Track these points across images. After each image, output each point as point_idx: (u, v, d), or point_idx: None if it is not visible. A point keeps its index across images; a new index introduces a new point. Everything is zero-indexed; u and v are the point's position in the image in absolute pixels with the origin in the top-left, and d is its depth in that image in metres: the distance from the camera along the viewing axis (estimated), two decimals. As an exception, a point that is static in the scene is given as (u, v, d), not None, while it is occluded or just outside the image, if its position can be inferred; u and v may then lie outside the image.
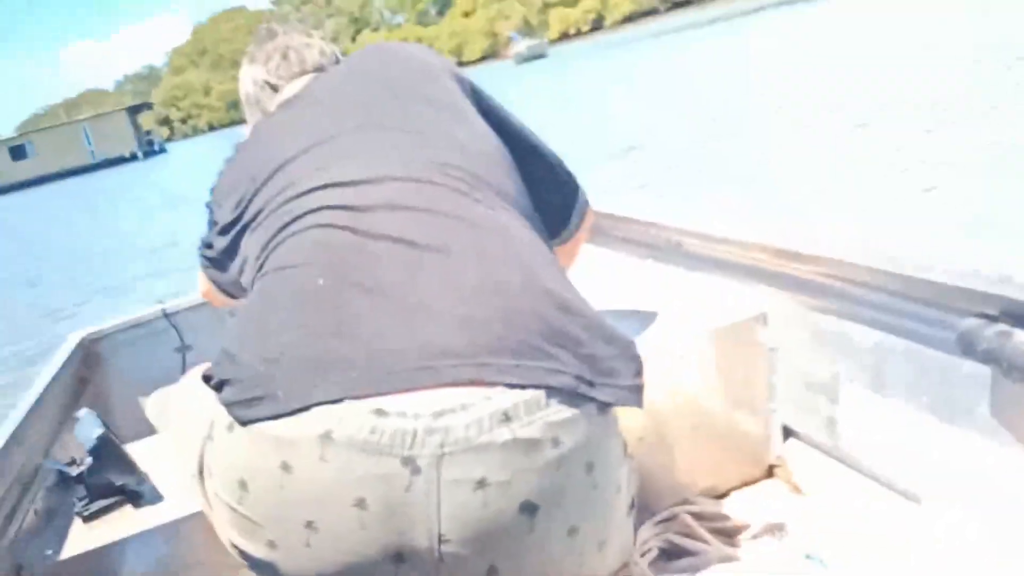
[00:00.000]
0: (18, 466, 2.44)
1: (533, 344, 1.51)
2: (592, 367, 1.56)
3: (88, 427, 2.39)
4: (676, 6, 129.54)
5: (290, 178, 1.84)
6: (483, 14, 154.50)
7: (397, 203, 1.69)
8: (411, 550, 1.46)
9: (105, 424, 2.42)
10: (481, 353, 1.48)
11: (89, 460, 2.31)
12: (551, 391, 1.49)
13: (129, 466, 2.36)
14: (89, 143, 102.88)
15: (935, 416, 2.15)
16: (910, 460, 2.26)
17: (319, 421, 1.43)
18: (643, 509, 2.55)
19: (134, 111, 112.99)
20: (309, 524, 1.46)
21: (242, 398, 1.51)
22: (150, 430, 2.97)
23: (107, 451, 2.33)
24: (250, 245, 1.88)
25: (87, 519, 2.29)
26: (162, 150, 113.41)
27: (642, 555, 2.36)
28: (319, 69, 2.25)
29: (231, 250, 1.99)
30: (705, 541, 2.40)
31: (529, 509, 1.47)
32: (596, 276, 3.33)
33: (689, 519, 2.49)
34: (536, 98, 32.67)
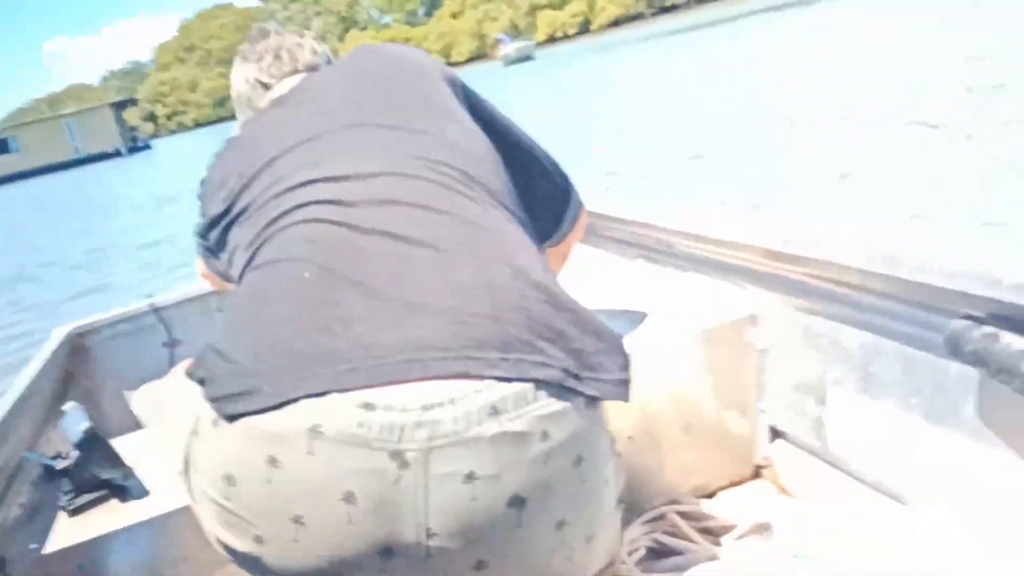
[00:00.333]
0: (2, 459, 2.42)
1: (521, 338, 1.51)
2: (579, 361, 1.57)
3: (74, 421, 2.38)
4: (662, 11, 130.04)
5: (279, 172, 1.85)
6: (471, 15, 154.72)
7: (386, 198, 1.70)
8: (399, 544, 1.45)
9: (91, 418, 2.41)
10: (469, 347, 1.48)
11: (75, 454, 2.30)
12: (539, 384, 1.49)
13: (115, 460, 2.34)
14: (73, 138, 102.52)
15: (922, 417, 2.16)
16: (897, 461, 2.26)
17: (307, 415, 1.43)
18: (631, 508, 2.56)
19: (119, 107, 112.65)
20: (297, 519, 1.46)
21: (228, 392, 1.50)
22: (137, 425, 2.97)
23: (93, 445, 2.32)
24: (238, 237, 1.88)
25: (72, 513, 2.28)
26: (146, 146, 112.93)
27: (630, 554, 2.37)
28: (311, 68, 2.27)
29: (220, 241, 1.99)
30: (692, 540, 2.41)
31: (518, 503, 1.47)
32: (587, 275, 3.34)
33: (677, 518, 2.50)
34: (527, 98, 32.64)
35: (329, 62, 2.32)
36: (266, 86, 2.25)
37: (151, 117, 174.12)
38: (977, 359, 1.88)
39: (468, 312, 1.52)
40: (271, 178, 1.85)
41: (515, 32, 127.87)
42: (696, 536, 2.43)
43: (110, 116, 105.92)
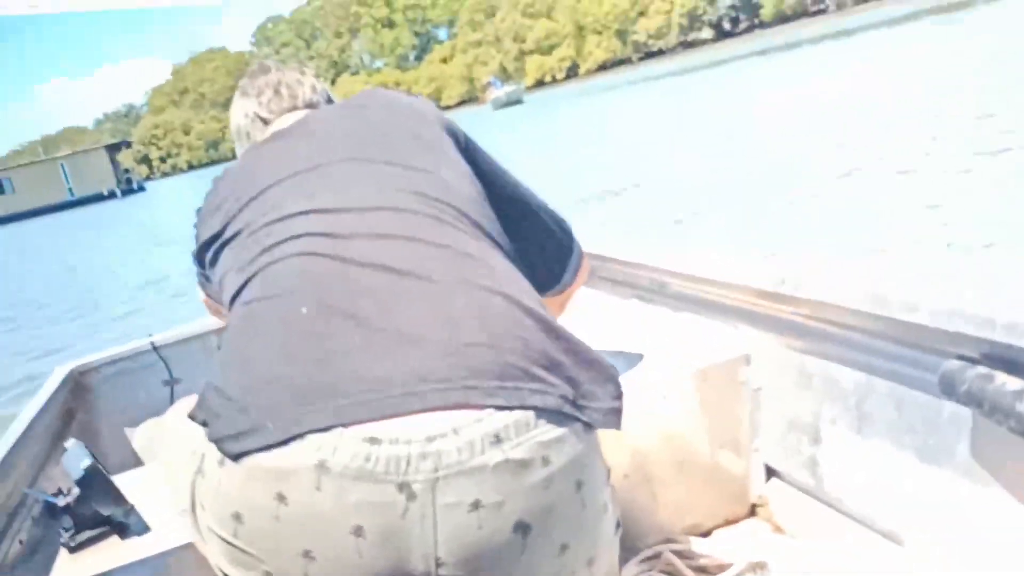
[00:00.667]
0: (4, 496, 2.43)
1: (518, 365, 1.52)
2: (575, 389, 1.58)
3: (76, 458, 2.39)
4: (647, 56, 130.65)
5: (274, 200, 1.86)
6: (461, 60, 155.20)
7: (379, 232, 1.71)
8: (409, 575, 1.46)
9: (93, 455, 2.42)
10: (467, 376, 1.49)
11: (76, 491, 2.30)
12: (538, 411, 1.50)
13: (116, 497, 2.35)
14: (67, 180, 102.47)
15: (917, 457, 2.18)
16: (892, 500, 2.28)
17: (313, 451, 1.43)
18: (627, 547, 2.57)
19: (113, 149, 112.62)
20: (307, 554, 1.46)
21: (231, 432, 1.50)
22: (137, 462, 2.97)
23: (94, 482, 2.32)
24: (229, 260, 1.89)
25: (73, 550, 2.28)
26: (140, 188, 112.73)
27: (627, 592, 2.38)
28: (310, 105, 2.28)
29: (213, 263, 1.99)
30: (688, 579, 2.42)
31: (522, 528, 1.48)
32: (582, 315, 3.35)
33: (673, 557, 2.51)
34: (518, 141, 32.76)
35: (329, 100, 2.34)
36: (265, 121, 2.26)
37: (145, 159, 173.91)
38: (971, 399, 1.90)
39: (464, 342, 1.53)
40: (266, 205, 1.86)
41: (504, 76, 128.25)
42: (692, 575, 2.44)
43: (104, 158, 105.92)
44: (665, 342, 2.79)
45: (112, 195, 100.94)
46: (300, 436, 1.44)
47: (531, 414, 1.49)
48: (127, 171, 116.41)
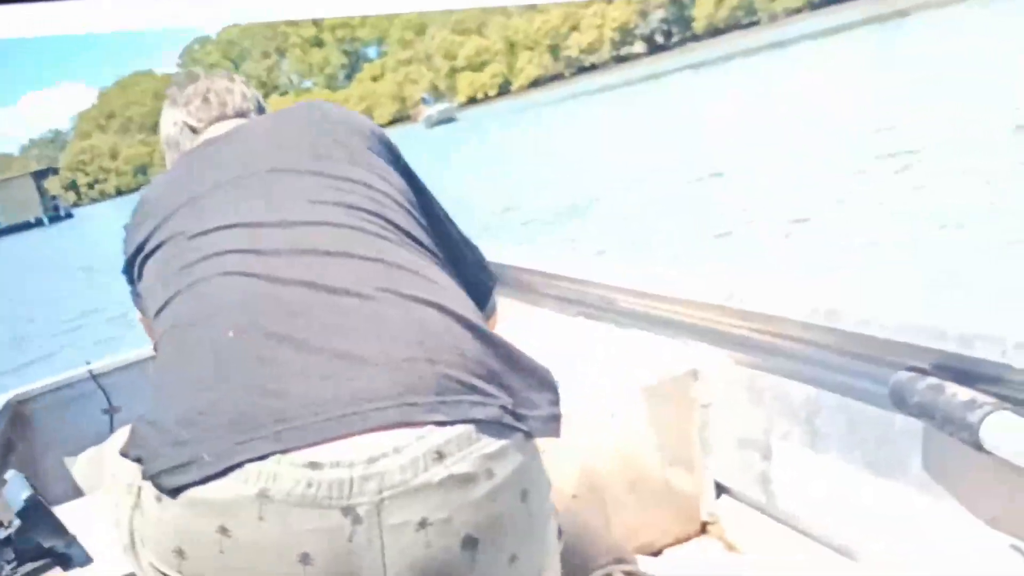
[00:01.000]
0: None
1: (456, 378, 1.51)
2: (513, 397, 1.57)
3: (16, 489, 2.35)
4: (580, 71, 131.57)
5: (199, 212, 1.83)
6: (391, 78, 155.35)
7: (307, 247, 1.68)
8: None
9: (33, 486, 2.37)
10: (405, 393, 1.47)
11: (17, 522, 2.27)
12: (479, 424, 1.49)
13: (58, 528, 2.31)
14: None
15: (869, 470, 2.17)
16: (844, 515, 2.27)
17: (253, 481, 1.40)
18: (577, 567, 2.54)
19: (39, 176, 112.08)
20: None
21: (167, 466, 1.47)
22: (78, 492, 2.93)
23: (35, 513, 2.29)
24: (152, 272, 1.85)
25: None
26: (68, 215, 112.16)
27: (577, 614, 2.35)
28: (240, 114, 2.24)
29: (140, 276, 1.94)
30: (640, 600, 2.40)
31: (471, 543, 1.46)
32: (528, 333, 3.33)
33: (623, 577, 2.49)
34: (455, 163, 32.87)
35: (261, 107, 2.30)
36: (194, 130, 2.22)
37: (72, 185, 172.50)
38: (922, 411, 1.90)
39: (401, 358, 1.51)
40: (191, 216, 1.83)
41: (436, 94, 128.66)
42: (644, 595, 2.42)
43: (31, 186, 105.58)
44: (613, 359, 2.78)
45: (39, 223, 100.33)
46: (239, 466, 1.41)
47: (472, 427, 1.48)
48: (55, 198, 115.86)
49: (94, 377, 3.72)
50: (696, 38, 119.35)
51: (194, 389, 1.54)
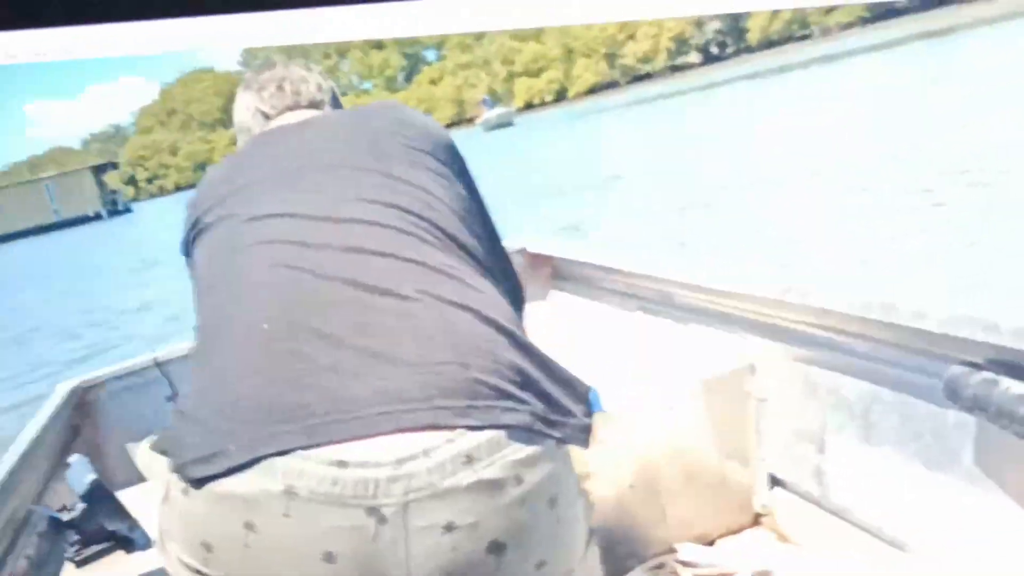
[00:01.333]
0: (10, 512, 2.42)
1: (488, 383, 1.51)
2: (546, 404, 1.57)
3: (80, 473, 2.39)
4: (636, 79, 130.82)
5: (254, 197, 1.84)
6: (450, 82, 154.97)
7: (352, 245, 1.69)
8: None
9: (97, 471, 2.41)
10: (437, 396, 1.47)
11: (81, 506, 2.31)
12: (510, 430, 1.49)
13: (121, 512, 2.35)
14: (52, 201, 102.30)
15: (922, 464, 2.19)
16: (897, 508, 2.29)
17: (279, 477, 1.42)
18: (632, 556, 2.59)
19: (99, 170, 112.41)
20: None
21: (194, 457, 1.48)
22: (141, 477, 2.97)
23: (99, 497, 2.33)
24: (202, 249, 1.87)
25: (79, 565, 2.29)
26: (127, 210, 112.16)
27: (632, 600, 2.39)
28: (314, 104, 2.25)
29: (192, 251, 1.95)
30: (694, 588, 2.43)
31: (497, 548, 1.47)
32: (587, 327, 3.37)
33: (678, 566, 2.52)
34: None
35: (336, 99, 2.31)
36: (266, 116, 2.23)
37: (132, 180, 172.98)
38: (976, 404, 1.91)
39: (434, 361, 1.51)
40: (248, 200, 1.84)
41: (495, 97, 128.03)
42: (697, 584, 2.46)
43: (90, 179, 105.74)
44: (670, 353, 2.80)
45: (98, 216, 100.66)
46: (264, 458, 1.42)
47: (502, 433, 1.48)
48: (113, 192, 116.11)
49: (158, 365, 3.77)
50: (750, 50, 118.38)
51: (225, 379, 1.56)
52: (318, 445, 1.42)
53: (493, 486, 1.45)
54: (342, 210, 1.75)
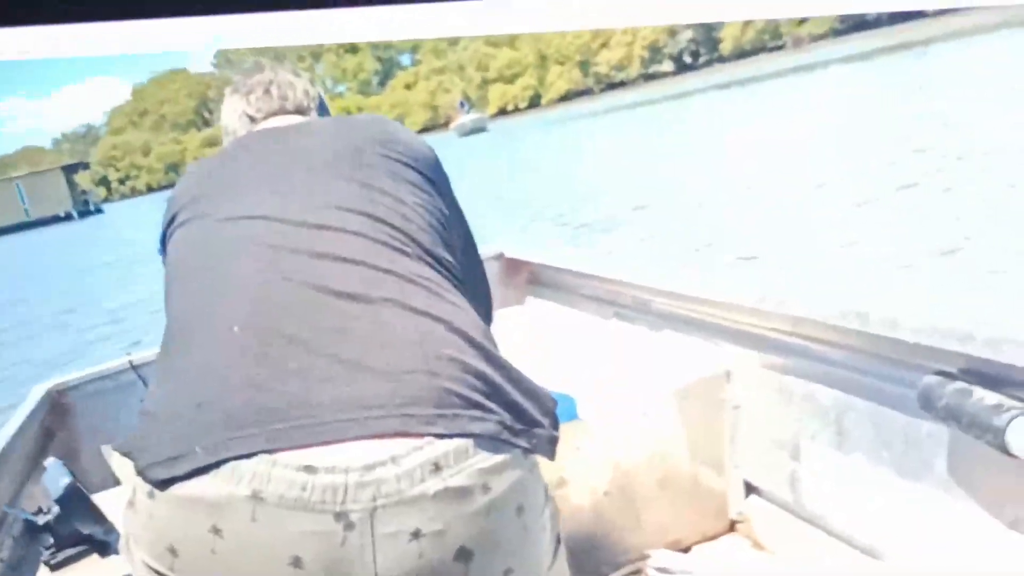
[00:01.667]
0: None
1: (456, 392, 1.52)
2: (514, 414, 1.58)
3: (55, 476, 2.38)
4: (609, 87, 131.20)
5: (231, 197, 1.85)
6: (424, 87, 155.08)
7: (324, 251, 1.69)
8: None
9: (72, 473, 2.41)
10: (405, 404, 1.48)
11: (56, 509, 2.30)
12: (478, 439, 1.50)
13: (96, 515, 2.34)
14: (23, 201, 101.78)
15: (895, 472, 2.21)
16: (871, 516, 2.30)
17: (247, 482, 1.41)
18: (607, 562, 2.60)
19: (70, 170, 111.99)
20: None
21: (159, 458, 1.47)
22: (116, 480, 2.96)
23: (75, 500, 2.32)
24: (176, 244, 1.87)
25: (54, 568, 2.29)
26: (98, 210, 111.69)
27: (606, 607, 2.40)
28: (300, 110, 2.26)
29: (167, 247, 1.94)
30: (668, 594, 2.44)
31: (464, 556, 1.47)
32: (563, 334, 3.37)
33: (653, 573, 2.53)
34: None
35: (323, 106, 2.33)
36: (252, 119, 2.23)
37: (104, 181, 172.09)
38: (949, 414, 1.93)
39: (403, 369, 1.52)
40: (225, 200, 1.85)
41: (469, 103, 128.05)
42: (671, 590, 2.47)
43: (61, 179, 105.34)
44: (646, 360, 2.81)
45: (69, 217, 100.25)
46: (230, 460, 1.42)
47: (470, 442, 1.48)
48: (84, 193, 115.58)
49: (134, 367, 3.76)
50: (723, 59, 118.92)
51: (193, 381, 1.56)
52: (284, 449, 1.42)
53: (460, 494, 1.46)
54: (317, 216, 1.76)
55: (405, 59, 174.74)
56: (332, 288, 1.61)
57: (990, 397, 1.85)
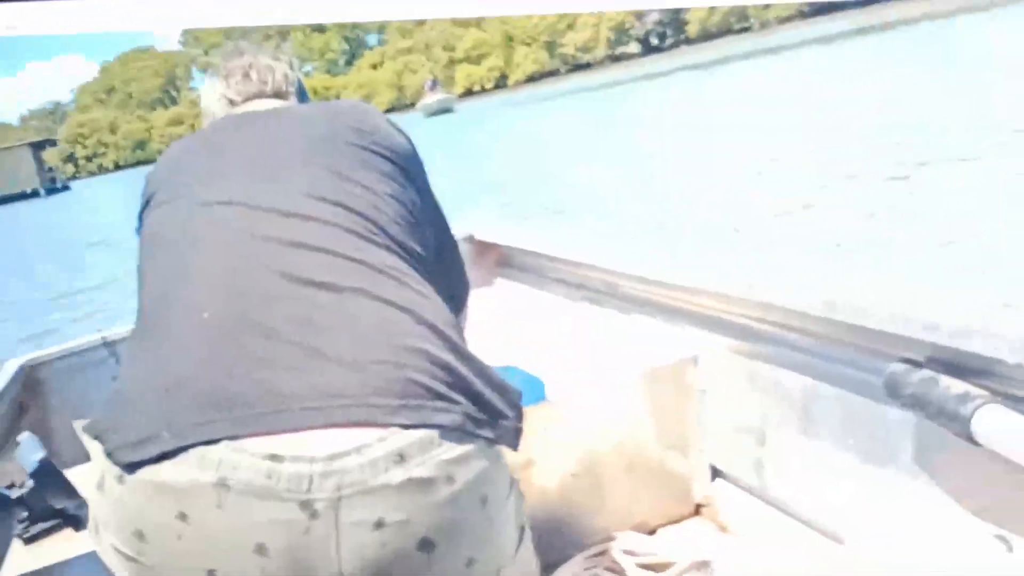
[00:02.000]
0: None
1: (420, 382, 1.53)
2: (479, 406, 1.59)
3: (29, 451, 2.39)
4: (575, 68, 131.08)
5: (207, 181, 1.86)
6: (391, 67, 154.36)
7: (294, 239, 1.70)
8: None
9: (46, 448, 2.41)
10: (370, 394, 1.49)
11: (30, 483, 2.31)
12: (442, 430, 1.51)
13: (69, 490, 2.35)
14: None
15: (860, 459, 2.23)
16: (835, 501, 2.33)
17: (213, 468, 1.42)
18: (574, 544, 2.61)
19: (37, 147, 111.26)
20: (211, 572, 1.45)
21: (127, 441, 1.48)
22: (89, 456, 2.96)
23: (48, 475, 2.33)
24: (150, 225, 1.88)
25: (27, 541, 2.29)
26: (65, 188, 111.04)
27: (571, 587, 2.41)
28: (279, 94, 2.26)
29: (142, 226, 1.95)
30: (633, 576, 2.46)
31: (427, 546, 1.49)
32: (532, 316, 3.39)
33: (619, 554, 2.55)
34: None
35: (302, 90, 2.33)
36: (232, 103, 2.24)
37: (71, 158, 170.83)
38: (915, 402, 1.95)
39: (369, 359, 1.53)
40: (200, 183, 1.86)
41: (437, 82, 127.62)
42: (638, 572, 2.48)
43: (28, 156, 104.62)
44: (614, 343, 2.83)
45: (36, 194, 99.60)
46: (195, 447, 1.43)
47: (435, 433, 1.50)
48: (52, 170, 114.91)
49: (106, 344, 3.75)
50: (689, 41, 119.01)
51: (162, 366, 1.56)
52: (249, 436, 1.43)
53: (424, 484, 1.47)
54: (289, 204, 1.76)
55: (372, 39, 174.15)
56: (301, 276, 1.62)
57: (956, 386, 1.86)
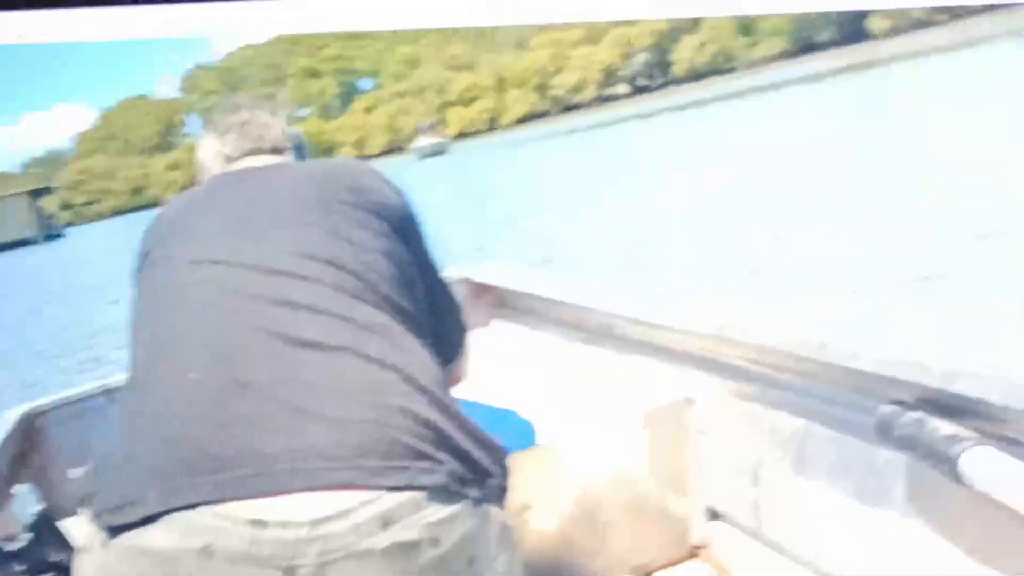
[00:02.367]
0: None
1: (404, 443, 1.52)
2: (465, 464, 1.58)
3: (26, 503, 2.38)
4: (566, 109, 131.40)
5: (199, 239, 1.86)
6: (384, 110, 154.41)
7: (282, 298, 1.69)
8: None
9: (44, 498, 2.40)
10: (355, 455, 1.49)
11: (26, 536, 2.31)
12: (428, 491, 1.50)
13: (65, 543, 2.35)
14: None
15: (855, 500, 2.23)
16: (831, 542, 2.33)
17: (198, 535, 1.42)
18: (569, 586, 2.60)
19: (36, 195, 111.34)
20: None
21: (112, 504, 1.48)
22: None
23: (44, 528, 2.33)
24: (142, 285, 1.88)
25: None
26: (60, 235, 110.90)
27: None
28: (276, 150, 2.24)
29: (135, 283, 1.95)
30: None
31: None
32: (528, 358, 3.39)
33: (616, 598, 2.54)
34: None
35: (300, 146, 2.31)
36: (228, 159, 2.22)
37: (69, 205, 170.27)
38: (905, 443, 1.96)
39: (353, 419, 1.53)
40: (192, 242, 1.86)
41: (431, 125, 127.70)
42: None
43: (26, 204, 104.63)
44: (611, 385, 2.83)
45: (34, 241, 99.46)
46: (179, 511, 1.43)
47: (422, 494, 1.49)
48: (49, 217, 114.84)
49: (106, 392, 3.73)
50: (677, 81, 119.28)
51: (148, 427, 1.56)
52: (232, 499, 1.43)
53: (409, 548, 1.46)
54: (278, 262, 1.76)
55: (365, 83, 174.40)
56: (288, 335, 1.62)
57: (945, 427, 1.87)
